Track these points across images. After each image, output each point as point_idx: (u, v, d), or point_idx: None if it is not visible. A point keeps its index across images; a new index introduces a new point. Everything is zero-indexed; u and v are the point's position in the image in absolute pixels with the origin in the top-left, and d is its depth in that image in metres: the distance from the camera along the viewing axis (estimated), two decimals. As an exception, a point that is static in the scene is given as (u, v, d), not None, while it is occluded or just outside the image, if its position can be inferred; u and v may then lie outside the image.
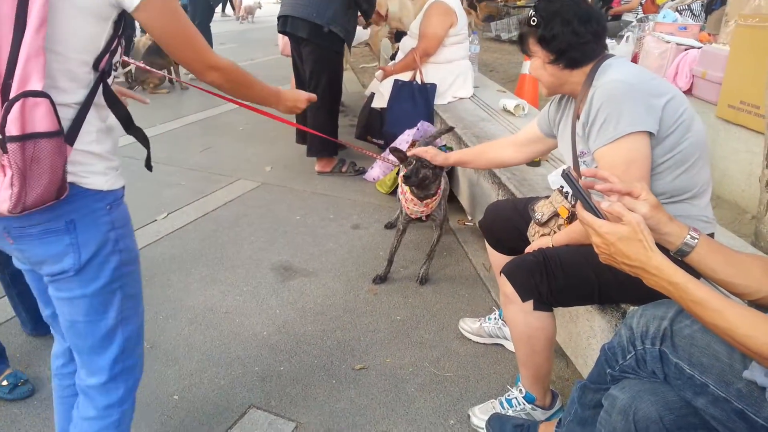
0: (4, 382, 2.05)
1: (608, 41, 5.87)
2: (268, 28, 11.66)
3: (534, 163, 2.90)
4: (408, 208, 2.73)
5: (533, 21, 1.68)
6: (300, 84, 4.17)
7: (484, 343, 2.39)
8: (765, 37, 3.35)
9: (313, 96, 1.78)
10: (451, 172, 3.71)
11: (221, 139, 5.02)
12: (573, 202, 1.80)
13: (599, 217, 1.14)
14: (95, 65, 1.16)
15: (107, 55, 1.18)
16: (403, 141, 3.57)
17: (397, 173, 3.89)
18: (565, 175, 1.18)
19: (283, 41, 4.80)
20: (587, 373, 1.63)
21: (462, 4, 4.38)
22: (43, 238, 1.19)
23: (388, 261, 2.87)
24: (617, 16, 7.50)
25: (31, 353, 2.30)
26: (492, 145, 2.30)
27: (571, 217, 1.79)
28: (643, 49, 4.83)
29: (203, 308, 2.61)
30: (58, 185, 1.10)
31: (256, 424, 1.97)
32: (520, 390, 1.94)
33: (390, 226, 3.43)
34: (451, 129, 2.79)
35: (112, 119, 1.27)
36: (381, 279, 2.85)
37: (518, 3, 11.50)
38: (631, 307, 1.73)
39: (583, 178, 1.34)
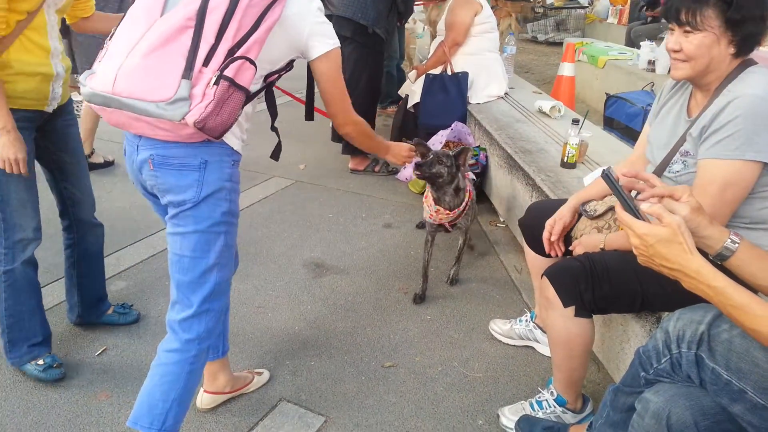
0: (40, 361, 2.11)
1: (648, 43, 5.73)
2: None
3: (569, 165, 2.87)
4: (431, 215, 2.62)
5: None
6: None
7: (514, 345, 2.37)
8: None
9: (413, 147, 2.14)
10: (483, 172, 3.70)
11: (257, 137, 5.04)
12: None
13: (638, 218, 1.13)
14: (266, 78, 1.54)
15: (275, 75, 1.56)
16: (437, 142, 3.56)
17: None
18: (605, 176, 1.17)
19: None
20: (619, 378, 1.60)
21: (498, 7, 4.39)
22: (179, 169, 1.46)
23: (423, 277, 2.74)
24: (657, 18, 7.36)
25: (71, 341, 2.37)
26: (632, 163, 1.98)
27: None
28: (683, 51, 4.73)
29: (237, 302, 2.65)
30: (225, 127, 1.37)
31: (287, 416, 2.00)
32: (551, 392, 1.92)
33: (421, 225, 3.42)
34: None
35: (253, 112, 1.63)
36: (420, 298, 2.70)
37: (556, 4, 11.38)
38: (665, 313, 1.71)
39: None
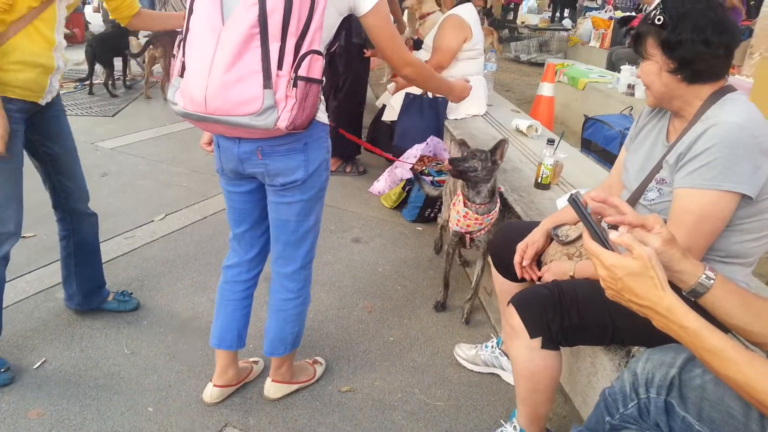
0: None
1: (628, 67, 5.71)
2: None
3: (543, 185, 2.79)
4: (459, 221, 2.42)
5: (658, 20, 1.44)
6: (328, 83, 4.31)
7: (479, 372, 2.27)
8: (791, 71, 3.24)
9: (469, 81, 2.26)
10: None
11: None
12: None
13: (607, 248, 1.03)
14: (329, 48, 1.64)
15: (335, 41, 1.67)
16: (411, 156, 3.47)
17: (403, 188, 3.80)
18: (572, 200, 1.07)
19: None
20: (586, 413, 1.50)
21: (483, 24, 4.32)
22: (286, 155, 1.63)
23: (444, 285, 2.69)
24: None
25: (9, 349, 2.20)
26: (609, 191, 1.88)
27: None
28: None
29: (189, 316, 2.51)
30: (312, 117, 1.52)
31: (231, 443, 1.86)
32: (515, 426, 1.81)
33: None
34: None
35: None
36: (441, 306, 2.69)
37: (540, 26, 11.47)
38: (636, 347, 1.61)
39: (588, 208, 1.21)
